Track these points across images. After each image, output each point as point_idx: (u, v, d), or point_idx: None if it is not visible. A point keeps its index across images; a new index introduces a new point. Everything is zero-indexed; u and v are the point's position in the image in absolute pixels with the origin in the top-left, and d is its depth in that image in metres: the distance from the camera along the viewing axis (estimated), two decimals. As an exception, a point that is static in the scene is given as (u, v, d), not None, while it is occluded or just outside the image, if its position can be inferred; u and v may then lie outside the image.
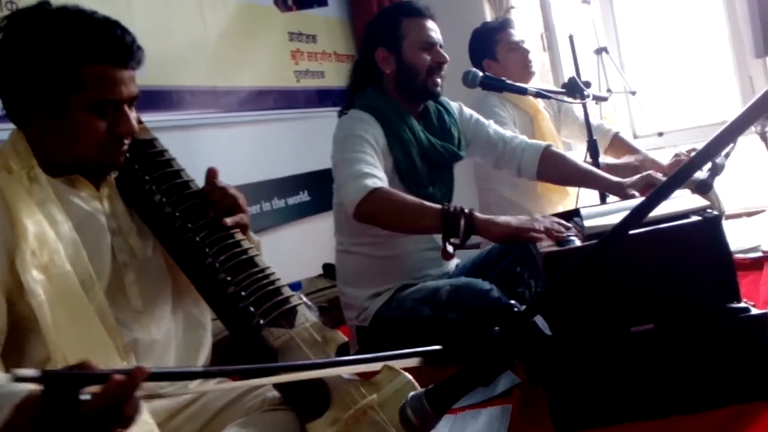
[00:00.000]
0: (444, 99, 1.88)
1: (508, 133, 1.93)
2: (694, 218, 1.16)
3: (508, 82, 1.98)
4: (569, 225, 1.40)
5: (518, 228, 1.41)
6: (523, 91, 2.01)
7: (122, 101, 1.04)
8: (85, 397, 0.71)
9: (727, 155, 1.67)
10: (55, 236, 0.99)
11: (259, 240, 1.21)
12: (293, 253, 2.44)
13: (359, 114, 1.72)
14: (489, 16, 3.19)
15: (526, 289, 1.47)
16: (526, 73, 2.41)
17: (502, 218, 1.46)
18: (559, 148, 2.38)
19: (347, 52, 3.03)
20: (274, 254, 1.31)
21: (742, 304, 1.13)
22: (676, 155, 2.30)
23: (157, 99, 2.05)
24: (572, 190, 2.25)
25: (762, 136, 1.92)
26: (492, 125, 1.93)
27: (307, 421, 0.97)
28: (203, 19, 2.30)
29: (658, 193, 0.77)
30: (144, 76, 1.10)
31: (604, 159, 2.24)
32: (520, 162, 1.86)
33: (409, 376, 0.98)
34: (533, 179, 1.90)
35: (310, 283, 2.33)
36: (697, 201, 1.25)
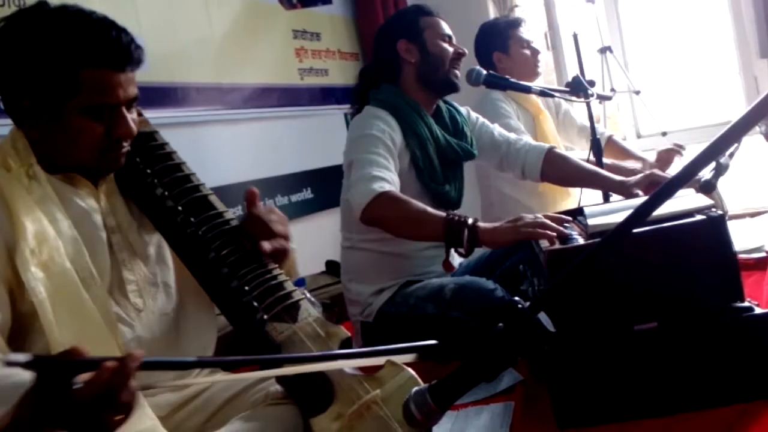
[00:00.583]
0: (452, 102, 1.90)
1: (512, 135, 1.94)
2: (698, 217, 1.16)
3: (512, 80, 1.99)
4: (568, 218, 1.40)
5: (521, 231, 1.39)
6: (527, 90, 2.01)
7: (119, 104, 1.03)
8: (77, 384, 0.70)
9: (731, 155, 1.67)
10: (55, 234, 0.98)
11: (295, 261, 1.18)
12: (297, 249, 2.45)
13: (376, 111, 1.72)
14: (493, 14, 3.19)
15: (529, 287, 1.48)
16: (534, 72, 2.41)
17: (504, 224, 1.44)
18: (560, 149, 2.39)
19: (351, 50, 3.03)
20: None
21: (746, 304, 1.13)
22: (671, 150, 2.31)
23: (162, 95, 2.06)
24: (575, 188, 2.25)
25: (766, 136, 1.92)
26: (497, 128, 1.94)
27: (310, 416, 0.97)
28: (208, 16, 2.31)
29: (661, 192, 0.77)
30: (149, 73, 1.10)
31: (606, 159, 2.23)
32: (524, 164, 1.87)
33: (412, 372, 0.98)
34: (537, 181, 1.90)
35: (313, 280, 2.34)
36: (701, 200, 1.25)
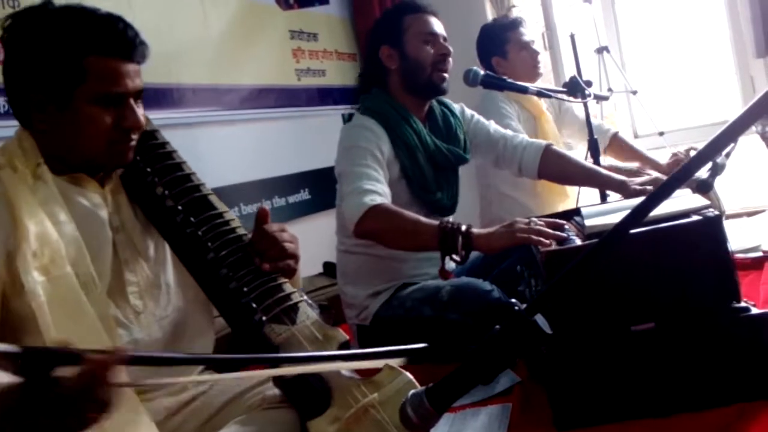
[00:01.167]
0: (447, 101, 1.88)
1: (508, 131, 1.92)
2: (695, 218, 1.16)
3: (509, 80, 1.98)
4: (562, 222, 1.40)
5: (517, 237, 1.38)
6: (524, 90, 2.01)
7: (127, 94, 1.04)
8: (61, 374, 0.68)
9: (728, 155, 1.67)
10: (58, 236, 0.98)
11: (299, 279, 1.17)
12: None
13: (364, 121, 1.71)
14: (490, 15, 3.19)
15: (526, 287, 1.47)
16: (534, 73, 2.40)
17: (499, 230, 1.43)
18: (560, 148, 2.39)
19: (348, 51, 3.03)
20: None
21: (743, 304, 1.13)
22: (674, 154, 2.30)
23: (158, 96, 2.05)
24: (573, 188, 2.25)
25: (763, 136, 1.92)
26: (492, 124, 1.92)
27: (307, 420, 0.97)
28: (205, 16, 2.30)
29: (659, 192, 0.77)
30: (145, 73, 1.10)
31: (603, 159, 2.23)
32: (521, 161, 1.85)
33: (410, 376, 0.98)
34: (534, 178, 1.89)
35: (311, 282, 2.33)
36: (698, 200, 1.25)
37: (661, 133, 2.96)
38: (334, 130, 2.80)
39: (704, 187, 1.61)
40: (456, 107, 1.90)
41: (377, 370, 0.99)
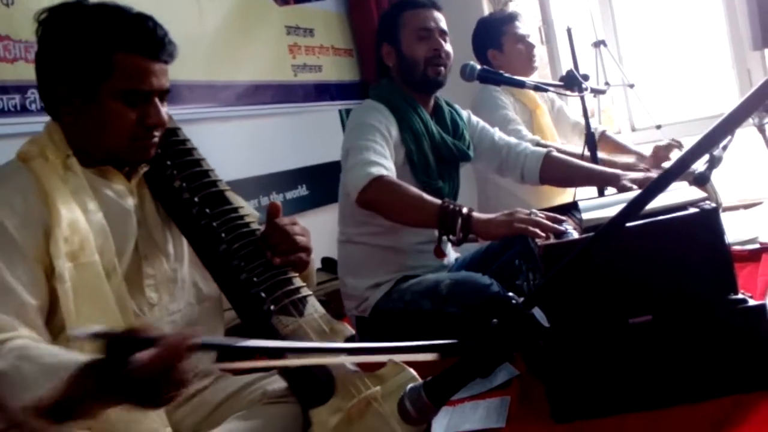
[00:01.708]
0: (456, 105, 1.91)
1: (512, 139, 1.95)
2: (692, 210, 1.17)
3: (506, 75, 1.98)
4: (563, 218, 1.40)
5: (515, 226, 1.39)
6: (521, 85, 2.01)
7: (152, 92, 1.06)
8: (137, 359, 0.72)
9: (724, 147, 1.68)
10: (87, 225, 1.01)
11: (314, 272, 1.20)
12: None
13: (373, 104, 1.75)
14: (487, 9, 3.18)
15: (524, 281, 1.48)
16: (530, 67, 2.41)
17: (499, 217, 1.44)
18: (556, 143, 2.39)
19: (345, 46, 3.02)
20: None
21: (740, 296, 1.14)
22: (655, 147, 2.30)
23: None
24: (572, 185, 2.25)
25: (759, 128, 1.92)
26: (497, 132, 1.95)
27: (310, 408, 0.97)
28: (200, 12, 2.29)
29: (655, 185, 0.77)
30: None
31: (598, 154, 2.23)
32: (522, 168, 1.88)
33: (414, 372, 0.98)
34: (537, 184, 1.92)
35: (309, 277, 2.33)
36: (695, 193, 1.25)
37: (659, 127, 2.96)
38: (330, 126, 2.81)
39: (701, 180, 1.62)
40: (463, 113, 1.93)
41: (381, 365, 0.99)
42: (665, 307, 1.13)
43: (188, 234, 1.14)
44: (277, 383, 1.07)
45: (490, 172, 2.09)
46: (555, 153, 1.90)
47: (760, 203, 2.25)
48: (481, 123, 1.95)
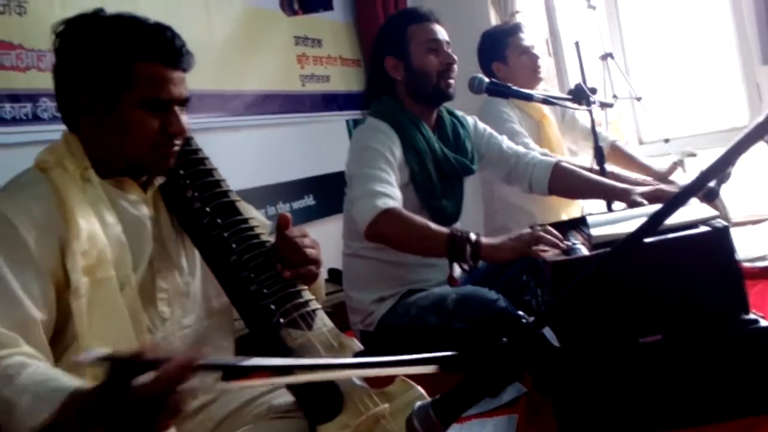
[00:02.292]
0: (458, 112, 1.90)
1: (521, 148, 1.94)
2: (703, 228, 1.16)
3: (514, 88, 1.98)
4: (560, 237, 1.39)
5: (521, 250, 1.40)
6: (529, 98, 2.01)
7: (173, 101, 1.06)
8: (139, 380, 0.71)
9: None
10: (105, 238, 1.00)
11: (323, 285, 1.20)
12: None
13: (376, 123, 1.73)
14: (494, 21, 3.19)
15: (532, 297, 1.47)
16: (535, 78, 2.41)
17: (505, 241, 1.45)
18: (564, 154, 2.38)
19: (353, 57, 3.03)
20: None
21: (752, 316, 1.12)
22: (675, 163, 2.30)
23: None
24: (579, 198, 2.24)
25: (769, 143, 1.91)
26: (505, 140, 1.94)
27: (318, 424, 0.97)
28: (209, 22, 2.30)
29: (670, 204, 0.76)
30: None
31: (606, 167, 2.23)
32: (531, 177, 1.87)
33: (422, 390, 0.97)
34: (545, 194, 1.91)
35: (315, 288, 2.32)
36: (706, 211, 1.24)
37: (667, 140, 2.95)
38: (338, 136, 2.81)
39: (711, 195, 1.61)
40: (469, 120, 1.91)
41: (389, 382, 0.98)
42: (676, 327, 1.12)
43: (199, 244, 1.13)
44: (284, 397, 1.06)
45: (497, 181, 2.08)
46: (564, 163, 1.89)
47: (769, 219, 2.24)
48: (489, 130, 1.93)
